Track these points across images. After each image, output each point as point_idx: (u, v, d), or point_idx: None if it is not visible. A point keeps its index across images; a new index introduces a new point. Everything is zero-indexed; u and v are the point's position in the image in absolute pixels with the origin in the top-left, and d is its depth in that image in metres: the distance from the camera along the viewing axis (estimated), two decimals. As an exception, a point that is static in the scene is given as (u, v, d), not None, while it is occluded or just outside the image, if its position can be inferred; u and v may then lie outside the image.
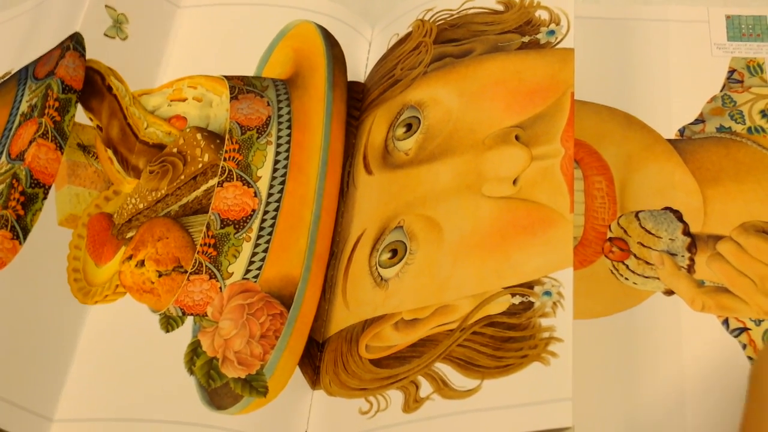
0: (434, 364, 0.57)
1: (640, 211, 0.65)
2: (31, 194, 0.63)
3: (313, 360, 0.62)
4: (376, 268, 0.63)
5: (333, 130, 0.71)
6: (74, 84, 0.68)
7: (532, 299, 0.56)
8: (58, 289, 0.63)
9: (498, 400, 0.54)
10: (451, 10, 0.72)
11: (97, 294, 0.64)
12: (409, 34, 0.74)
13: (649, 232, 0.64)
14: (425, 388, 0.56)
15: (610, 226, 0.64)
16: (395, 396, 0.57)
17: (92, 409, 0.59)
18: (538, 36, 0.67)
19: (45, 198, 0.64)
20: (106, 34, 0.73)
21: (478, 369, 0.55)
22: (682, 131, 0.69)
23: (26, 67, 0.71)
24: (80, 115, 0.69)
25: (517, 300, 0.56)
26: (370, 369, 0.59)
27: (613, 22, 0.75)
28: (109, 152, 0.69)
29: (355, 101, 0.73)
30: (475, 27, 0.70)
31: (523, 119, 0.63)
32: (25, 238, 0.62)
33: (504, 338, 0.56)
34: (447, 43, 0.71)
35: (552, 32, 0.67)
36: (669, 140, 0.69)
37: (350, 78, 0.75)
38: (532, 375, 0.53)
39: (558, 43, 0.66)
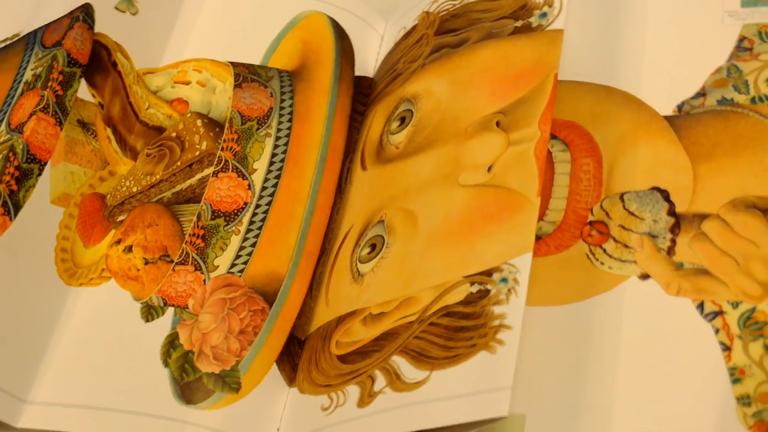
0: (391, 358, 0.57)
1: (626, 193, 0.62)
2: (27, 169, 0.63)
3: (292, 357, 0.63)
4: (356, 264, 0.63)
5: (335, 125, 0.71)
6: (80, 58, 0.68)
7: (489, 287, 0.56)
8: (44, 269, 0.63)
9: (443, 391, 0.53)
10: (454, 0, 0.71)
11: (82, 276, 0.64)
12: (414, 27, 0.73)
13: (632, 214, 0.61)
14: (380, 382, 0.57)
15: (592, 210, 0.62)
16: (353, 391, 0.57)
17: (66, 394, 0.60)
18: (531, 20, 0.66)
19: (40, 174, 0.64)
20: (116, 8, 0.73)
21: (429, 360, 0.55)
22: (680, 106, 0.65)
23: (35, 32, 0.71)
24: (82, 90, 0.68)
25: (475, 288, 0.56)
26: (336, 365, 0.60)
27: None
28: (109, 131, 0.69)
29: (362, 96, 0.73)
30: (473, 15, 0.70)
31: (506, 104, 0.63)
32: (15, 215, 0.62)
33: (457, 328, 0.55)
34: (446, 33, 0.71)
35: (544, 15, 0.66)
36: (666, 117, 0.65)
37: (361, 72, 0.75)
38: (477, 364, 0.53)
39: (549, 25, 0.65)
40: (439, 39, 0.70)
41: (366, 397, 0.56)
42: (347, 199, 0.68)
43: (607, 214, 0.61)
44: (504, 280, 0.55)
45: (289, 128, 0.70)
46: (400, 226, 0.62)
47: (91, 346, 0.62)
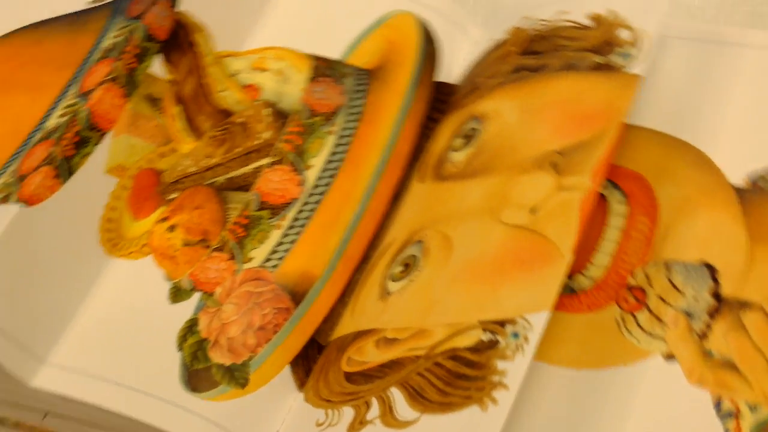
0: (390, 388, 0.56)
1: (673, 262, 0.59)
2: (86, 137, 0.65)
3: (309, 362, 0.62)
4: (387, 280, 0.63)
5: (404, 130, 0.70)
6: (159, 34, 0.69)
7: (499, 338, 0.55)
8: (87, 236, 0.64)
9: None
10: (548, 20, 0.69)
11: (124, 248, 0.65)
12: (503, 41, 0.71)
13: (675, 287, 0.58)
14: (374, 410, 0.56)
15: (634, 272, 0.59)
16: (347, 413, 0.57)
17: (82, 362, 0.61)
18: (612, 57, 0.64)
19: (98, 143, 0.65)
20: (202, -12, 0.73)
21: (423, 401, 0.55)
22: (754, 179, 0.62)
23: (122, 0, 0.72)
24: (156, 66, 0.69)
25: (486, 336, 0.55)
26: (341, 382, 0.59)
27: (701, 45, 0.69)
28: (177, 109, 0.70)
29: (440, 103, 0.72)
30: (558, 41, 0.68)
31: (567, 144, 0.61)
32: (67, 179, 0.63)
33: (458, 374, 0.55)
34: (530, 54, 0.69)
35: (627, 55, 0.64)
36: (736, 187, 0.61)
37: (446, 79, 0.74)
38: (466, 418, 0.52)
39: (630, 67, 0.63)
40: (522, 59, 0.68)
41: (357, 424, 0.56)
42: (400, 209, 0.67)
43: (648, 280, 0.59)
44: (515, 334, 0.54)
45: (355, 128, 0.69)
46: (435, 251, 0.61)
47: (115, 319, 0.63)
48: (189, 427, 0.58)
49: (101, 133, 0.65)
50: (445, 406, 0.54)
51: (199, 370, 0.60)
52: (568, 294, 0.60)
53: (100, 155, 0.66)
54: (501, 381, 0.53)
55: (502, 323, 0.55)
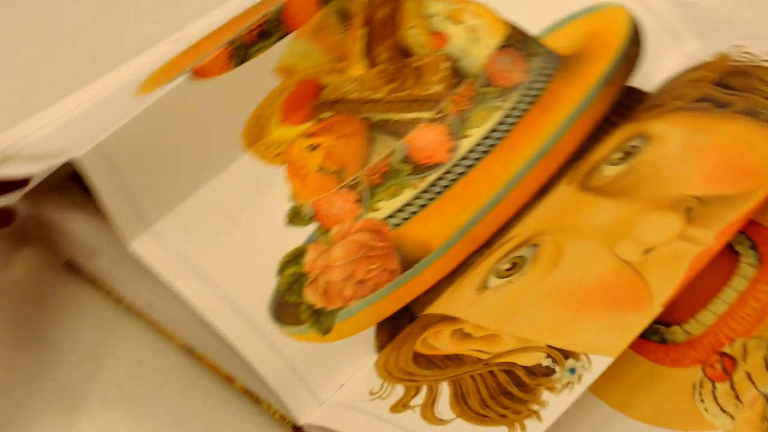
0: (443, 382, 0.56)
1: None
2: (270, 31, 0.64)
3: (395, 328, 0.62)
4: (490, 274, 0.62)
5: (575, 127, 0.68)
6: None
7: (557, 368, 0.54)
8: (232, 123, 0.64)
9: None
10: (755, 55, 0.66)
11: (262, 147, 0.65)
12: (704, 64, 0.68)
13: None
14: (419, 397, 0.56)
15: (733, 341, 0.58)
16: (398, 392, 0.57)
17: (181, 242, 0.60)
18: None
19: (279, 39, 0.65)
20: None
21: (463, 406, 0.55)
22: None
23: None
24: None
25: (546, 362, 0.55)
26: (408, 360, 0.59)
27: None
28: (362, 31, 0.69)
29: (625, 108, 0.70)
30: (753, 82, 0.65)
31: (712, 194, 0.60)
32: (239, 64, 0.63)
33: (506, 391, 0.54)
34: (723, 87, 0.67)
35: None
36: None
37: (642, 85, 0.72)
38: None
39: None
40: (712, 89, 0.66)
41: (400, 405, 0.56)
42: (538, 205, 0.66)
43: (744, 353, 0.57)
44: (573, 370, 0.54)
45: (526, 110, 0.67)
46: (544, 259, 0.61)
47: (227, 216, 0.62)
48: (258, 352, 0.58)
49: (286, 31, 0.64)
50: (480, 418, 0.53)
51: (289, 303, 0.59)
52: (659, 343, 0.59)
53: (274, 53, 0.65)
54: (539, 412, 0.52)
55: (566, 354, 0.54)
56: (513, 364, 0.55)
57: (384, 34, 0.69)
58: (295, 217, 0.62)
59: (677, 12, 0.73)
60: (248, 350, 0.58)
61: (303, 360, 0.59)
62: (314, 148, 0.65)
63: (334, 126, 0.66)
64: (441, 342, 0.58)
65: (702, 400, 0.57)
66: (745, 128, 0.63)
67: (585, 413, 0.56)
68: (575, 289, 0.58)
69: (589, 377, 0.53)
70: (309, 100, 0.67)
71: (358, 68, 0.68)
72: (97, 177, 0.57)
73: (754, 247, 0.61)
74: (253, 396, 0.61)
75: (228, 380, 0.62)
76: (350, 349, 0.60)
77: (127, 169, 0.59)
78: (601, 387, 0.57)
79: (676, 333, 0.59)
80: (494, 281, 0.61)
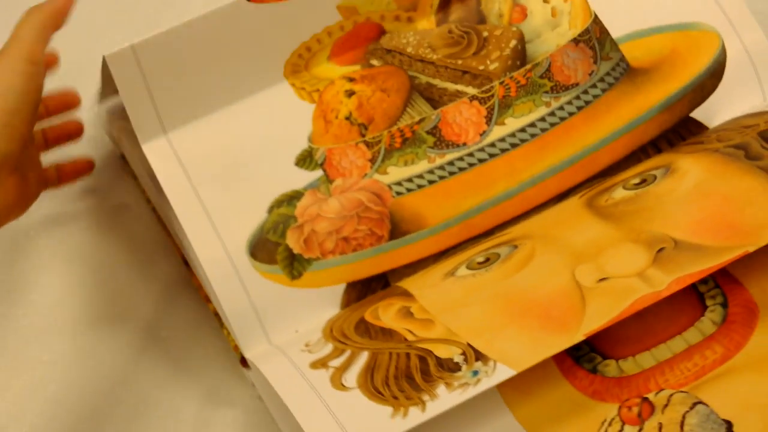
0: (364, 351, 0.59)
1: (704, 406, 0.59)
2: None
3: (366, 291, 0.65)
4: (463, 263, 0.63)
5: (615, 143, 0.68)
6: None
7: (464, 367, 0.56)
8: (279, 49, 0.65)
9: (346, 409, 0.56)
10: None
11: (300, 79, 0.66)
12: (765, 112, 0.67)
13: (681, 426, 0.58)
14: (338, 360, 0.59)
15: (661, 390, 0.60)
16: (325, 350, 0.60)
17: (188, 153, 0.64)
18: None
19: None
20: None
21: (367, 379, 0.58)
22: None
23: None
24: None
25: (458, 359, 0.57)
26: (351, 324, 0.62)
27: None
28: (442, -16, 0.68)
29: (677, 137, 0.68)
30: None
31: (689, 240, 0.60)
32: None
33: (410, 375, 0.57)
34: (763, 139, 0.65)
35: None
36: None
37: (705, 118, 0.69)
38: (377, 413, 0.55)
39: None
40: (754, 139, 0.65)
41: (320, 363, 0.59)
42: (545, 210, 0.66)
43: (666, 405, 0.59)
44: (475, 372, 0.56)
45: (572, 114, 0.66)
46: (514, 262, 0.62)
47: (242, 142, 0.65)
48: (223, 279, 0.61)
49: None
50: (375, 394, 0.56)
51: (269, 241, 0.62)
52: (589, 372, 0.61)
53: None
54: (426, 403, 0.55)
55: (479, 356, 0.56)
56: (430, 352, 0.57)
57: (465, -7, 0.68)
58: (306, 160, 0.64)
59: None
60: (215, 274, 0.62)
61: (264, 298, 0.62)
62: (350, 94, 0.66)
63: (378, 77, 0.67)
64: (386, 314, 0.61)
65: None
66: (760, 185, 0.61)
67: (490, 417, 0.59)
68: (520, 298, 0.59)
69: (487, 383, 0.55)
70: (365, 43, 0.67)
71: (425, 22, 0.68)
72: (120, 76, 0.61)
73: (725, 305, 0.61)
74: (219, 320, 0.65)
75: (206, 300, 0.67)
76: (314, 300, 0.63)
77: (154, 75, 0.62)
78: (515, 398, 0.59)
79: (610, 367, 0.60)
80: (462, 271, 0.62)
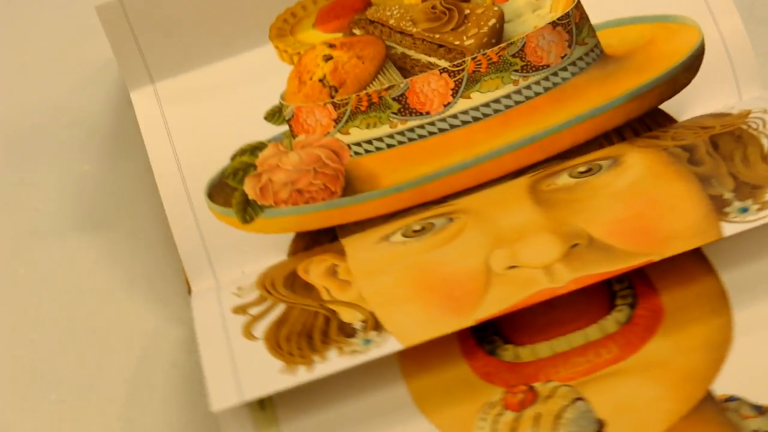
0: (282, 304, 0.62)
1: (584, 403, 0.59)
2: None
3: (313, 243, 0.68)
4: (399, 230, 0.66)
5: (578, 127, 0.69)
6: None
7: (359, 333, 0.59)
8: (264, 15, 0.70)
9: (244, 360, 0.59)
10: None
11: (284, 43, 0.71)
12: (725, 114, 0.68)
13: (558, 419, 0.59)
14: (258, 309, 0.62)
15: (549, 380, 0.60)
16: (251, 297, 0.64)
17: (173, 105, 0.69)
18: (727, 210, 0.60)
19: None
20: None
21: (274, 332, 0.60)
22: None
23: None
24: None
25: (358, 325, 0.59)
26: (281, 275, 0.65)
27: None
28: (429, -41, 0.71)
29: (642, 126, 0.69)
30: (736, 151, 0.64)
31: (603, 240, 0.60)
32: None
33: (309, 334, 0.60)
34: (711, 143, 0.65)
35: (744, 209, 0.60)
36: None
37: (676, 113, 0.70)
38: (273, 368, 0.58)
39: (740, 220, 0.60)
40: (704, 142, 0.65)
41: (240, 309, 0.63)
42: (495, 187, 0.68)
43: (549, 396, 0.60)
44: (367, 341, 0.58)
45: (538, 94, 0.68)
46: (443, 235, 0.64)
47: (221, 96, 0.70)
48: (179, 214, 0.67)
49: None
50: (275, 348, 0.59)
51: (227, 185, 0.67)
52: (487, 353, 0.62)
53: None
54: (315, 364, 0.57)
55: (377, 326, 0.59)
56: (335, 314, 0.60)
57: (453, -29, 0.71)
58: (275, 115, 0.69)
59: (751, 58, 0.68)
60: (172, 209, 0.67)
61: (216, 237, 0.67)
62: (328, 59, 0.70)
63: (357, 44, 0.70)
64: (315, 270, 0.64)
65: (483, 419, 0.60)
66: (688, 193, 0.60)
67: (383, 385, 0.61)
68: (431, 273, 0.61)
69: (375, 354, 0.58)
70: (350, 13, 0.71)
71: (414, -4, 0.71)
72: (110, 27, 0.67)
73: (633, 306, 0.61)
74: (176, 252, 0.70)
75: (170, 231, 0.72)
76: (263, 245, 0.67)
77: (143, 26, 0.68)
78: (413, 369, 0.62)
79: (508, 352, 0.62)
80: (397, 237, 0.65)
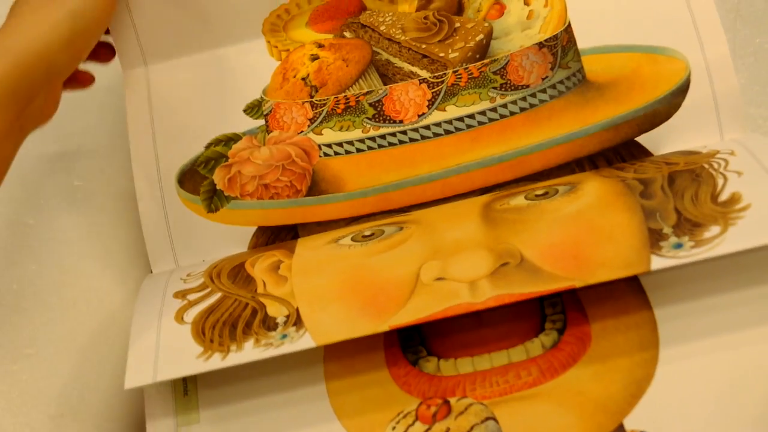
0: (218, 293, 0.64)
1: (494, 421, 0.60)
2: None
3: (274, 238, 0.70)
4: (349, 234, 0.66)
5: (549, 151, 0.69)
6: None
7: (279, 327, 0.60)
8: (258, 10, 0.72)
9: (168, 341, 0.61)
10: (719, 165, 0.64)
11: (276, 38, 0.72)
12: (694, 152, 0.67)
13: None
14: (196, 295, 0.65)
15: (466, 396, 0.61)
16: (195, 283, 0.66)
17: (158, 88, 0.72)
18: (661, 245, 0.59)
19: None
20: None
21: (202, 318, 0.62)
22: None
23: None
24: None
25: (281, 319, 0.61)
26: (229, 265, 0.67)
27: None
28: (428, -28, 0.72)
29: (618, 158, 0.69)
30: (688, 189, 0.63)
31: (534, 263, 0.60)
32: None
33: (235, 323, 0.62)
34: (669, 179, 0.64)
35: (679, 245, 0.59)
36: None
37: (655, 146, 0.69)
38: (192, 353, 0.60)
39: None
40: (662, 178, 0.64)
41: (181, 294, 0.65)
42: (458, 202, 0.68)
43: (462, 413, 0.60)
44: (284, 336, 0.60)
45: (513, 114, 0.68)
46: (388, 242, 0.64)
47: (207, 85, 0.72)
48: (150, 197, 0.69)
49: None
50: (199, 334, 0.61)
51: (197, 173, 0.69)
52: (410, 363, 0.62)
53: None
54: (231, 353, 0.59)
55: (298, 322, 0.60)
56: (264, 307, 0.62)
57: (449, -17, 0.71)
58: (254, 109, 0.70)
59: (737, 99, 0.67)
60: (143, 192, 0.69)
61: (180, 222, 0.69)
62: (314, 59, 0.71)
63: (344, 47, 0.71)
64: (259, 264, 0.66)
65: (393, 428, 0.60)
66: (630, 225, 0.60)
67: (303, 382, 0.62)
68: (363, 277, 0.62)
69: (287, 349, 0.59)
70: (344, 15, 0.72)
71: (406, 6, 0.72)
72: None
73: (562, 331, 0.61)
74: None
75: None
76: (225, 236, 0.69)
77: (141, 8, 0.70)
78: (335, 370, 0.63)
79: (430, 363, 0.62)
80: (346, 240, 0.66)
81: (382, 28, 0.71)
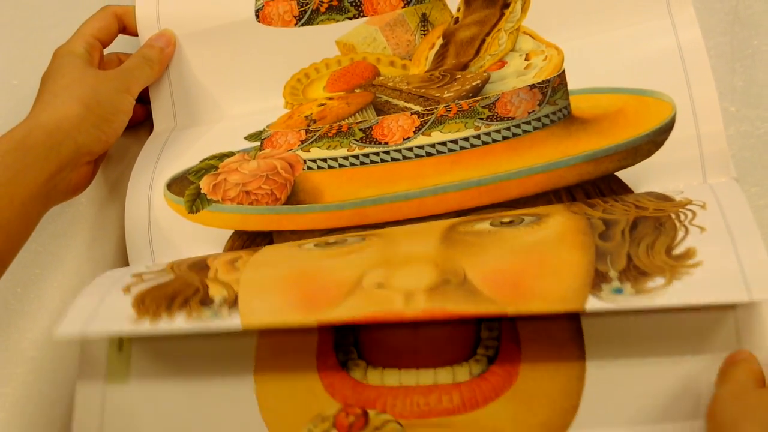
0: (192, 284, 0.64)
1: None
2: (344, 6, 0.77)
3: (250, 243, 0.70)
4: (314, 241, 0.66)
5: (527, 180, 0.68)
6: None
7: (214, 306, 0.61)
8: (280, 73, 0.77)
9: (107, 306, 0.62)
10: (686, 218, 0.62)
11: (296, 102, 0.77)
12: (665, 197, 0.65)
13: None
14: (150, 275, 0.66)
15: (386, 411, 0.59)
16: (155, 268, 0.67)
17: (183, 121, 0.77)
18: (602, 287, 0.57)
19: (350, 18, 0.76)
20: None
21: (152, 299, 0.63)
22: None
23: None
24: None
25: (218, 299, 0.61)
26: (195, 259, 0.68)
27: None
28: (439, 41, 0.77)
29: (597, 192, 0.67)
30: (648, 236, 0.61)
31: (475, 285, 0.59)
32: (300, 24, 0.77)
33: (174, 298, 0.62)
34: (632, 223, 0.62)
35: (619, 290, 0.57)
36: None
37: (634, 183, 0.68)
38: (125, 317, 0.61)
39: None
40: (626, 221, 0.62)
41: (138, 276, 0.66)
42: (435, 221, 0.68)
43: (377, 429, 0.59)
44: (215, 314, 0.60)
45: (494, 141, 0.69)
46: (346, 249, 0.64)
47: (218, 125, 0.77)
48: (137, 195, 0.72)
49: (359, 13, 0.76)
50: (139, 303, 0.62)
51: (187, 180, 0.72)
52: (338, 363, 0.62)
53: (342, 29, 0.77)
54: (161, 320, 0.60)
55: (233, 304, 0.60)
56: (207, 288, 0.62)
57: (461, 53, 0.75)
58: (254, 136, 0.74)
59: (722, 143, 0.65)
60: (132, 192, 0.73)
61: (160, 219, 0.72)
62: (321, 105, 0.76)
63: (350, 96, 0.76)
64: (221, 258, 0.66)
65: (310, 430, 0.59)
66: (579, 264, 0.58)
67: (233, 374, 0.62)
68: (308, 275, 0.62)
69: (214, 325, 0.59)
70: (359, 81, 0.77)
71: (416, 69, 0.76)
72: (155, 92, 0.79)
73: (492, 359, 0.60)
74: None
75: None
76: (203, 237, 0.71)
77: (177, 80, 0.78)
78: (266, 363, 0.62)
79: (359, 368, 0.61)
80: (308, 245, 0.66)
81: (390, 83, 0.75)
